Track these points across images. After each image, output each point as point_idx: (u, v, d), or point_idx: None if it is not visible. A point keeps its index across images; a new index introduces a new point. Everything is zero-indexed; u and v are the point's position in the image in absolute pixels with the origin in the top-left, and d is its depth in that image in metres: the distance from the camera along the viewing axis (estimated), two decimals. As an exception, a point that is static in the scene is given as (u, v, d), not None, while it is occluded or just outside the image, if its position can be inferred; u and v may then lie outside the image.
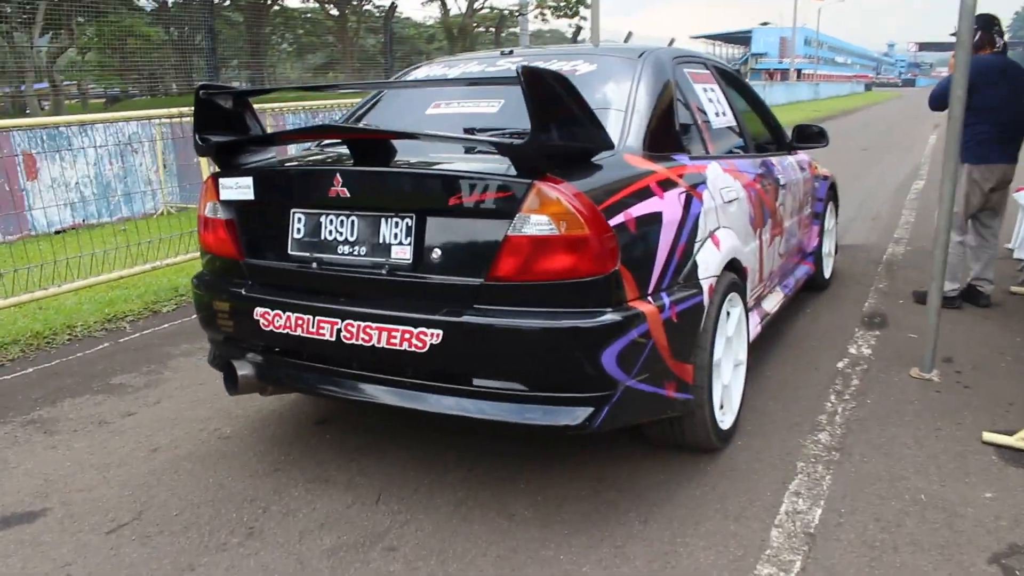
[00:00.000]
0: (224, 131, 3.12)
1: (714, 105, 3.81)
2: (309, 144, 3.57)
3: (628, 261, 2.58)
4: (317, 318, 2.79)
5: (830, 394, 3.75)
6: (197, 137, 3.09)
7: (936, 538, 2.60)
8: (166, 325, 5.31)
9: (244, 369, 3.00)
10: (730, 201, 3.41)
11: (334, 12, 32.97)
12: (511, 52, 3.80)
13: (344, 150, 3.09)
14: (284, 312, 2.87)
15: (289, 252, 2.95)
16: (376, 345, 2.68)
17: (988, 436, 3.23)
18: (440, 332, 2.57)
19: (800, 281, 4.92)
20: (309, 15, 34.62)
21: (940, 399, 3.68)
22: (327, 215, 2.86)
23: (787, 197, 4.44)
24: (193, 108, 3.10)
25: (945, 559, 2.50)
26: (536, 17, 31.00)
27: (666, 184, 2.91)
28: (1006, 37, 5.04)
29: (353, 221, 2.81)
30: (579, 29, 27.40)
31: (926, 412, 3.54)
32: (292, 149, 4.17)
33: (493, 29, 25.12)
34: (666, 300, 2.75)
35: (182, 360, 4.58)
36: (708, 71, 3.97)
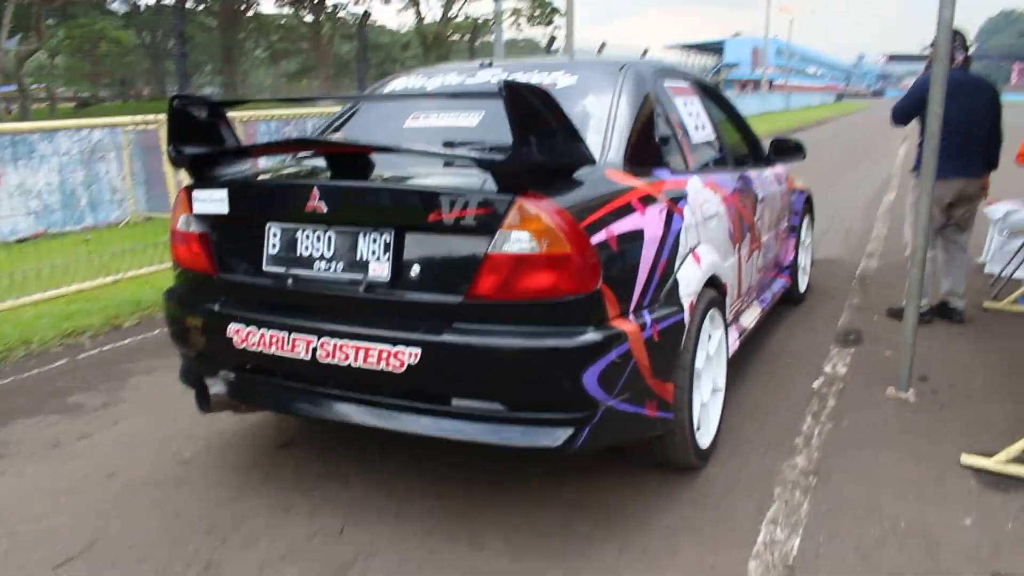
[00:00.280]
0: (199, 142, 3.03)
1: (694, 119, 3.76)
2: (283, 156, 3.48)
3: (610, 279, 2.53)
4: (292, 335, 2.72)
5: (806, 415, 3.69)
6: (171, 148, 3.01)
7: (917, 567, 2.54)
8: (127, 341, 5.15)
9: (216, 387, 2.91)
10: (710, 216, 3.37)
11: (308, 19, 32.74)
12: (490, 63, 3.73)
13: (320, 162, 3.01)
14: (258, 329, 2.80)
15: (264, 267, 2.88)
16: (353, 364, 2.61)
17: (966, 459, 3.18)
18: (419, 351, 2.51)
19: (777, 295, 4.91)
20: (283, 22, 34.36)
21: (917, 420, 3.63)
22: (303, 230, 2.79)
23: (765, 211, 4.43)
24: (166, 118, 3.03)
25: (926, 591, 2.44)
26: (511, 26, 30.94)
27: (647, 200, 2.87)
28: (971, 49, 5.03)
29: (330, 236, 2.74)
30: (553, 39, 27.40)
31: (903, 433, 3.48)
32: (263, 160, 4.06)
33: (468, 37, 25.03)
34: (647, 318, 2.71)
35: (143, 378, 4.44)
36: (688, 84, 3.94)
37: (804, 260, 5.70)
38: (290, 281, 2.79)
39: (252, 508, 2.99)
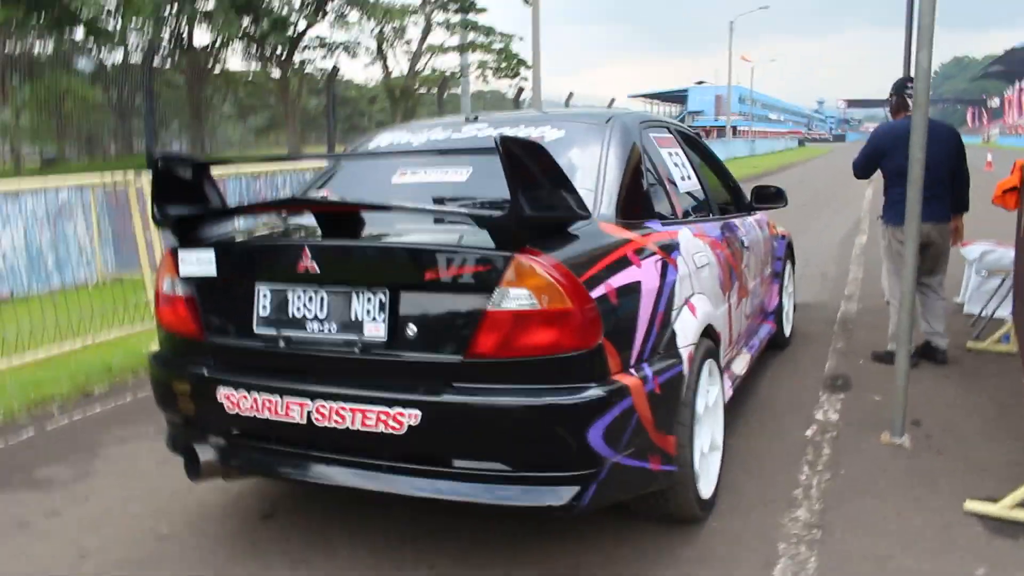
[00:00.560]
0: (184, 203, 2.96)
1: (679, 169, 3.77)
2: (264, 216, 3.40)
3: (610, 333, 2.50)
4: (286, 399, 2.65)
5: (803, 465, 3.61)
6: (155, 209, 2.93)
7: (933, 626, 2.45)
8: (98, 409, 4.97)
9: (207, 453, 2.81)
10: (702, 266, 3.37)
11: (276, 74, 32.83)
12: (475, 118, 3.72)
13: (305, 221, 2.95)
14: (250, 393, 2.72)
15: (255, 329, 2.80)
16: (350, 427, 2.55)
17: (970, 505, 3.11)
18: (418, 412, 2.46)
19: (764, 341, 4.90)
20: (251, 78, 34.40)
21: (914, 466, 3.56)
22: (295, 290, 2.73)
23: (751, 258, 4.44)
24: (151, 178, 2.97)
25: (945, 651, 2.34)
26: (477, 78, 31.21)
27: (642, 252, 2.86)
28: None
29: (323, 296, 2.68)
30: (521, 90, 27.64)
31: (902, 481, 3.41)
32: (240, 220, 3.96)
33: (436, 91, 25.22)
34: (648, 372, 2.68)
35: (114, 449, 4.26)
36: (671, 134, 3.95)
37: (788, 305, 5.72)
38: (282, 343, 2.72)
39: (235, 586, 2.83)
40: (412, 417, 2.46)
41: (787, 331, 5.69)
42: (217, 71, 33.18)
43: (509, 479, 2.48)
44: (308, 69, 32.23)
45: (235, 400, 2.76)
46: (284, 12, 27.31)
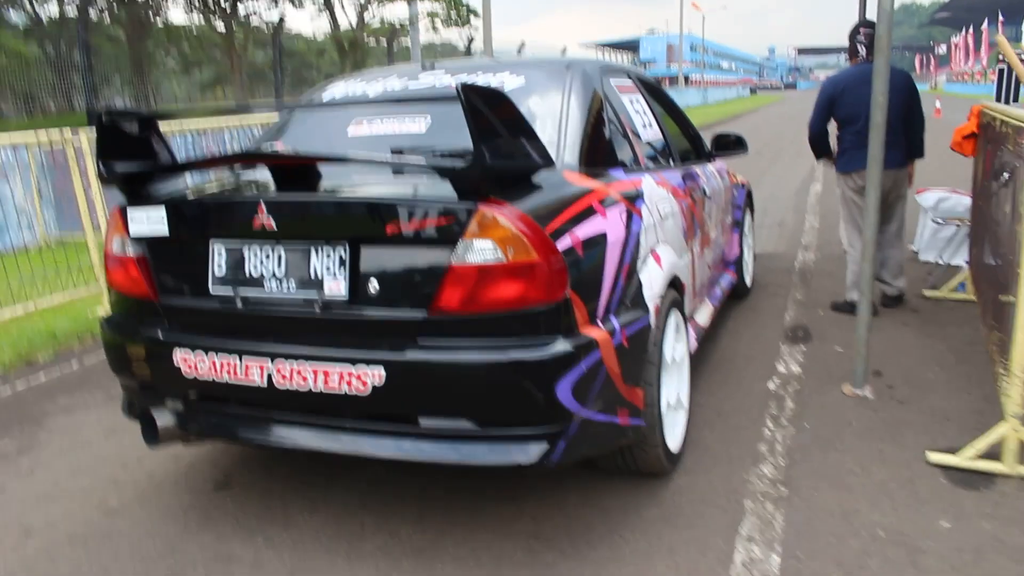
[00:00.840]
0: (131, 159, 2.82)
1: (641, 116, 3.69)
2: (218, 170, 3.28)
3: (577, 286, 2.45)
4: (245, 361, 2.58)
5: (766, 419, 3.58)
6: (100, 165, 2.80)
7: (901, 580, 2.44)
8: (42, 378, 4.79)
9: (164, 418, 2.73)
10: (666, 215, 3.32)
11: (221, 28, 31.89)
12: (432, 65, 3.59)
13: (261, 176, 2.84)
14: (207, 355, 2.65)
15: (210, 289, 2.70)
16: (312, 388, 2.48)
17: (933, 457, 3.11)
18: (382, 371, 2.39)
19: (726, 291, 4.89)
20: (195, 31, 33.41)
21: (877, 417, 3.55)
22: (251, 247, 2.63)
23: (713, 207, 4.41)
24: (96, 134, 2.82)
25: (914, 605, 2.33)
26: (427, 29, 30.66)
27: (607, 201, 2.79)
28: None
29: (280, 253, 2.59)
30: (471, 40, 27.21)
31: (866, 433, 3.40)
32: (192, 176, 3.82)
33: (385, 42, 24.68)
34: (616, 324, 2.63)
35: (61, 419, 4.10)
36: (631, 81, 3.87)
37: (748, 254, 5.73)
38: (239, 303, 2.63)
39: (189, 561, 2.73)
40: (376, 376, 2.40)
41: (748, 281, 5.71)
42: (159, 25, 32.20)
43: (477, 437, 2.42)
44: (254, 22, 31.40)
45: (192, 363, 2.68)
46: (226, -39, 26.43)
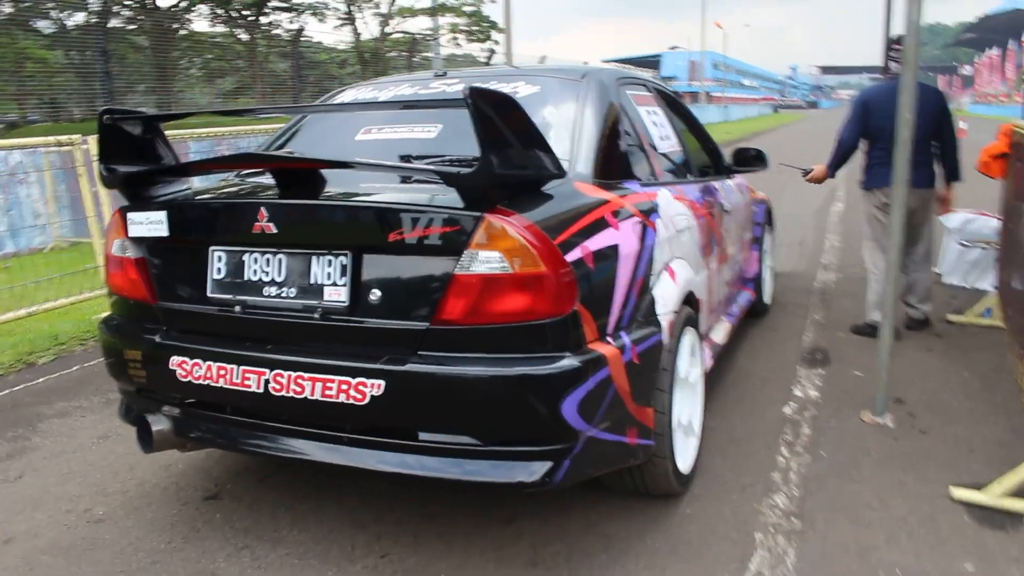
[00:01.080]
0: (133, 160, 2.81)
1: (658, 128, 3.60)
2: (225, 174, 3.22)
3: (586, 299, 2.36)
4: (242, 368, 2.51)
5: (780, 446, 3.43)
6: (102, 167, 2.78)
7: (920, 624, 2.28)
8: (41, 380, 4.71)
9: (160, 424, 2.68)
10: (682, 229, 3.22)
11: (244, 36, 32.12)
12: (444, 73, 3.53)
13: (266, 180, 2.78)
14: (204, 361, 2.58)
15: (209, 294, 2.65)
16: (309, 397, 2.41)
17: (957, 493, 2.94)
18: (381, 382, 2.31)
19: (744, 309, 4.78)
20: (218, 39, 33.66)
21: (898, 447, 3.39)
22: (251, 253, 2.57)
23: (731, 222, 4.31)
24: (97, 135, 2.78)
25: (935, 653, 2.17)
26: (449, 41, 30.74)
27: (620, 214, 2.71)
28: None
29: (280, 259, 2.53)
30: (492, 53, 27.23)
31: (886, 464, 3.24)
32: (199, 180, 3.79)
33: (406, 53, 24.75)
34: (626, 340, 2.54)
35: (55, 422, 4.01)
36: (650, 92, 3.78)
37: (767, 272, 5.61)
38: (238, 308, 2.57)
39: (171, 577, 2.61)
40: (375, 387, 2.31)
41: (767, 299, 5.59)
42: (183, 32, 32.45)
43: (478, 453, 2.34)
44: (276, 31, 31.59)
45: (188, 368, 2.61)
46: (250, -28, 26.66)
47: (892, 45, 4.79)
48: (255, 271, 2.56)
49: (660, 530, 2.78)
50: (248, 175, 3.14)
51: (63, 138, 5.83)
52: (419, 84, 3.46)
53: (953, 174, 4.84)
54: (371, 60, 30.50)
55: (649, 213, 2.93)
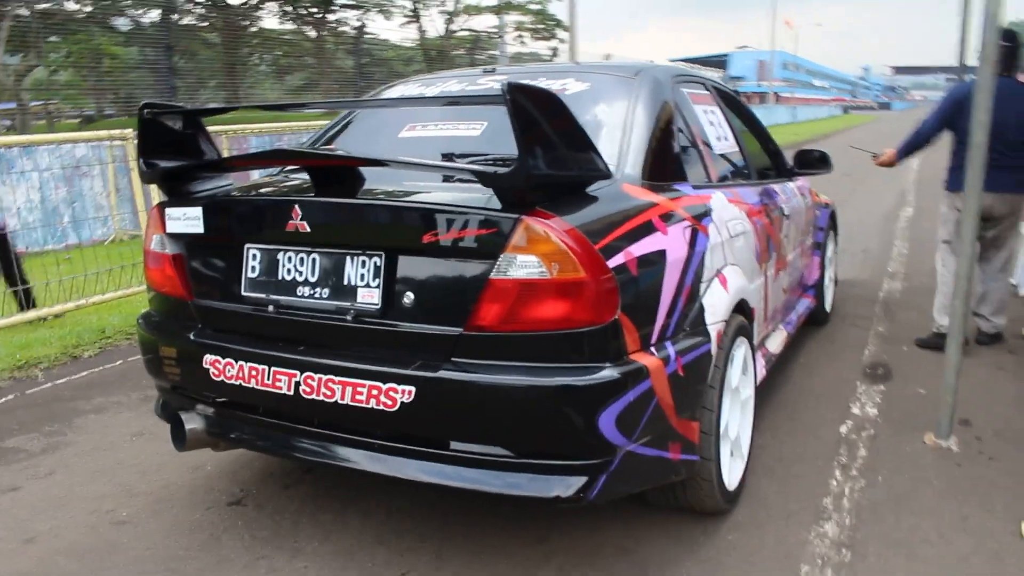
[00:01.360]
0: (172, 155, 2.78)
1: (715, 128, 3.45)
2: (274, 170, 3.18)
3: (629, 307, 2.24)
4: (273, 369, 2.45)
5: (834, 468, 3.21)
6: (141, 162, 2.76)
7: None
8: (84, 373, 4.71)
9: (193, 422, 2.66)
10: (736, 235, 3.07)
11: (312, 33, 32.56)
12: (494, 70, 3.43)
13: (303, 176, 2.78)
14: (236, 361, 2.53)
15: (243, 293, 2.61)
16: (339, 401, 2.33)
17: (1028, 529, 2.71)
18: (412, 389, 2.23)
19: (802, 317, 4.59)
20: (286, 36, 34.20)
21: (962, 475, 3.14)
22: (285, 252, 2.53)
23: (791, 228, 4.12)
24: (137, 129, 2.78)
25: None
26: (515, 39, 30.72)
27: (669, 217, 2.59)
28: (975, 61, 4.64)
29: (314, 259, 2.47)
30: (555, 51, 27.11)
31: (948, 493, 3.00)
32: (256, 176, 3.77)
33: (471, 51, 24.78)
34: (671, 351, 2.42)
35: (91, 418, 3.99)
36: (708, 91, 3.63)
37: (829, 277, 5.40)
38: (271, 308, 2.53)
39: (183, 587, 2.53)
40: (405, 393, 2.23)
41: (828, 306, 5.37)
42: (253, 29, 33.02)
43: (511, 466, 2.24)
44: (343, 28, 31.95)
45: (221, 367, 2.57)
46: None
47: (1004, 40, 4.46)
48: (288, 270, 2.51)
49: (698, 559, 2.60)
50: (292, 171, 3.10)
51: (115, 132, 5.86)
52: (467, 80, 3.37)
53: None
54: (436, 58, 30.64)
55: (701, 217, 2.80)
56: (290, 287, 2.50)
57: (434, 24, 31.35)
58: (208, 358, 2.60)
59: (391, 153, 2.62)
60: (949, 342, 3.35)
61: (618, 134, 2.78)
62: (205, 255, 2.76)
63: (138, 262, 6.17)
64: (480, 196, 2.25)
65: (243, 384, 2.52)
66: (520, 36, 30.70)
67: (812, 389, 4.12)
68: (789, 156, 4.53)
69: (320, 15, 31.65)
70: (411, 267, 2.33)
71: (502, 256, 2.16)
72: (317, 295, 2.45)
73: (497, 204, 2.19)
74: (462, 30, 31.17)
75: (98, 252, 7.46)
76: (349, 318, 2.37)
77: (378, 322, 2.34)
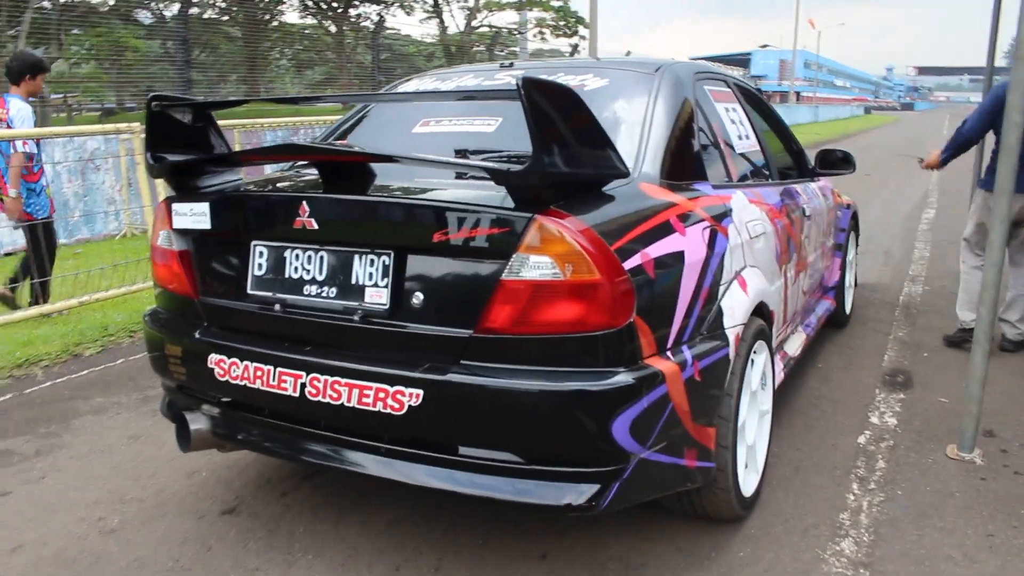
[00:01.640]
0: (181, 149, 2.73)
1: (736, 127, 3.36)
2: (286, 166, 3.12)
3: (645, 310, 2.18)
4: (279, 369, 2.39)
5: (851, 481, 3.07)
6: (149, 155, 2.71)
7: None
8: (84, 372, 4.63)
9: (198, 423, 2.61)
10: (756, 236, 2.98)
11: (332, 28, 32.59)
12: (511, 64, 3.36)
13: (312, 172, 2.73)
14: (242, 361, 2.48)
15: (249, 291, 2.56)
16: (346, 404, 2.27)
17: (1056, 550, 2.57)
18: (421, 392, 2.16)
19: (822, 319, 4.50)
20: (308, 31, 34.27)
21: (987, 490, 3.00)
22: (292, 249, 2.46)
23: (812, 228, 4.03)
24: (145, 122, 2.73)
25: None
26: (535, 36, 30.63)
27: (687, 218, 2.52)
28: (1004, 61, 4.51)
29: (322, 257, 2.41)
30: (575, 48, 26.97)
31: (972, 509, 2.86)
32: (269, 169, 3.69)
33: (491, 47, 24.71)
34: (688, 355, 2.35)
35: (89, 419, 3.90)
36: (729, 89, 3.54)
37: (849, 279, 5.31)
38: (277, 307, 2.46)
39: (169, 602, 2.43)
40: (414, 397, 2.16)
41: (848, 308, 5.27)
42: (274, 24, 33.09)
43: (522, 472, 2.17)
44: (363, 23, 31.95)
45: (226, 367, 2.51)
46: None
47: None
48: (296, 268, 2.45)
49: (708, 574, 2.48)
50: (303, 167, 3.03)
51: (123, 125, 5.79)
52: (483, 75, 3.30)
53: None
54: (456, 54, 30.58)
55: (721, 218, 2.73)
56: (297, 286, 2.44)
57: (455, 20, 31.21)
58: (213, 357, 2.54)
59: (404, 149, 2.54)
60: (974, 350, 3.21)
61: (636, 131, 2.71)
62: (212, 252, 2.70)
63: (143, 258, 6.13)
64: (493, 194, 2.18)
65: (248, 385, 2.46)
66: (541, 32, 30.61)
67: (829, 396, 3.98)
68: (811, 155, 4.40)
69: (341, 10, 31.66)
70: (421, 266, 2.26)
71: (514, 256, 2.09)
72: (324, 294, 2.39)
73: (510, 202, 2.12)
74: (483, 26, 31.10)
75: (109, 247, 7.44)
76: (356, 318, 2.30)
77: (386, 323, 2.27)
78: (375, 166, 2.46)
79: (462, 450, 2.22)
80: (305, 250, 2.43)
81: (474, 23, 31.82)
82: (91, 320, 5.47)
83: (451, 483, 2.22)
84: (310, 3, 31.76)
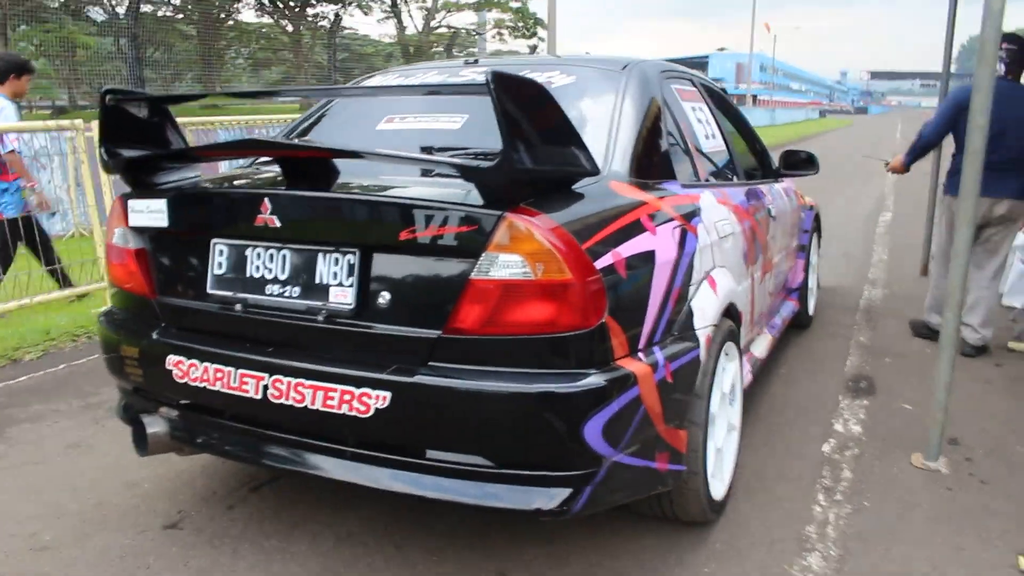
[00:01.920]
0: (137, 144, 2.62)
1: (703, 126, 3.33)
2: (246, 162, 3.03)
3: (616, 311, 2.13)
4: (240, 371, 2.33)
5: (817, 492, 3.00)
6: (103, 151, 2.59)
7: None
8: (23, 378, 4.42)
9: (155, 426, 2.52)
10: (725, 236, 2.94)
11: (289, 28, 32.21)
12: (476, 61, 3.28)
13: (274, 168, 2.66)
14: (201, 362, 2.41)
15: (209, 290, 2.48)
16: (310, 407, 2.21)
17: (1026, 563, 2.51)
18: (387, 394, 2.12)
19: (787, 320, 4.49)
20: (264, 30, 33.85)
21: (954, 500, 2.95)
22: (254, 248, 2.39)
23: (778, 229, 4.01)
24: (98, 116, 2.61)
25: None
26: (494, 37, 30.54)
27: (658, 217, 2.48)
28: (953, 67, 4.57)
29: (284, 256, 2.34)
30: (534, 49, 26.92)
31: (941, 520, 2.81)
32: (224, 167, 3.52)
33: (449, 48, 24.56)
34: (659, 357, 2.31)
35: (27, 428, 3.71)
36: (695, 88, 3.50)
37: (813, 281, 5.32)
38: (238, 307, 2.40)
39: (102, 628, 2.28)
40: (380, 399, 2.11)
41: (811, 309, 5.30)
42: (230, 23, 32.63)
43: (491, 476, 2.12)
44: (321, 22, 31.63)
45: (185, 369, 2.44)
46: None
47: (1001, 44, 4.31)
48: (257, 267, 2.38)
49: (672, 593, 2.39)
50: (264, 164, 2.94)
51: (64, 122, 5.57)
52: (448, 72, 3.24)
53: None
54: (415, 54, 30.38)
55: (690, 217, 2.69)
56: (259, 285, 2.37)
57: (413, 20, 31.01)
58: (172, 358, 2.46)
59: (368, 145, 2.47)
60: (941, 356, 3.16)
61: (605, 129, 2.66)
62: (170, 250, 2.61)
63: (88, 260, 5.91)
64: (461, 191, 2.13)
65: (208, 387, 2.39)
66: (500, 33, 30.52)
67: (794, 402, 3.92)
68: (775, 156, 4.36)
69: (298, 9, 31.29)
70: (387, 265, 2.19)
71: (484, 255, 2.04)
72: (287, 294, 2.32)
73: (479, 200, 2.07)
74: (441, 26, 30.94)
75: (58, 247, 7.15)
76: (321, 319, 2.24)
77: (351, 323, 2.21)
78: (339, 162, 2.37)
79: (429, 453, 2.16)
80: (267, 248, 2.36)
81: (432, 23, 31.66)
82: (32, 324, 5.25)
83: (417, 487, 2.15)
84: (266, 2, 31.36)
